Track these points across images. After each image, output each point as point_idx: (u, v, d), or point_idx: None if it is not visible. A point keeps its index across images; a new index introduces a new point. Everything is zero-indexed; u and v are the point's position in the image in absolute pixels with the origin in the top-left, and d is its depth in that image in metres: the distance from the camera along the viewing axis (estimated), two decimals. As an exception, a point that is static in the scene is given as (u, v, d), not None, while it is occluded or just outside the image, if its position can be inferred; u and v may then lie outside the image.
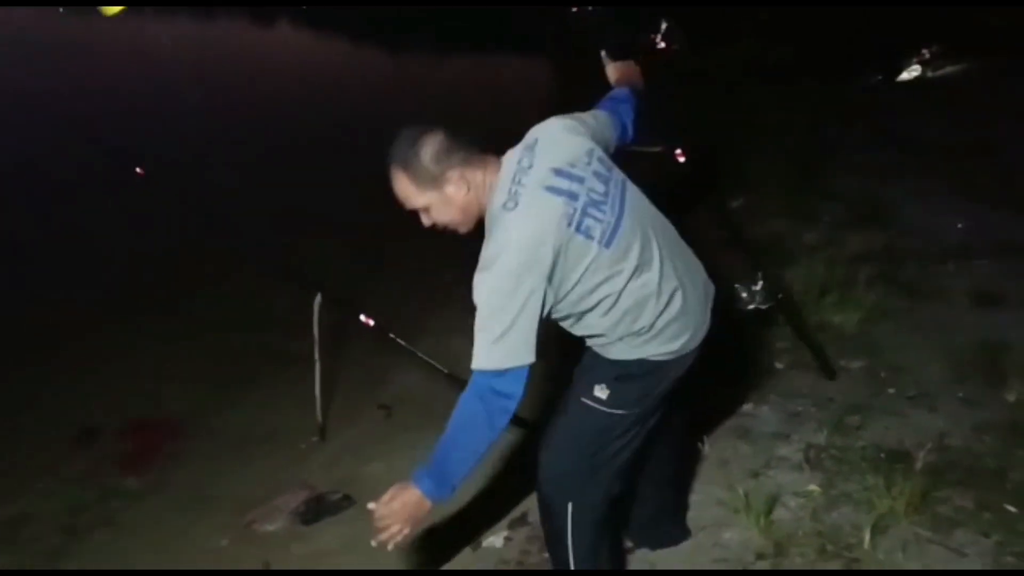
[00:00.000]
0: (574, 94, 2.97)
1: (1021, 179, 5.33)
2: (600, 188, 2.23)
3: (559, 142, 2.29)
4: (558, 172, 2.20)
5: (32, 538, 4.23)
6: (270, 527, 3.81)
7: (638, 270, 2.23)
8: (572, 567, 2.53)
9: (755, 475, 3.27)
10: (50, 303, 6.51)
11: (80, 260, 7.23)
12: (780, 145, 6.96)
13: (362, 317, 3.79)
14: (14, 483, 4.71)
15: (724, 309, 2.56)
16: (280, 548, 3.65)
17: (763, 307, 3.47)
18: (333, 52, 19.70)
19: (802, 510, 3.03)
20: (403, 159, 2.22)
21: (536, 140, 2.29)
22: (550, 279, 2.12)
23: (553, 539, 2.55)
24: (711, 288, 2.48)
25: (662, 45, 3.46)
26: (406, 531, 2.18)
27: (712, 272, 2.51)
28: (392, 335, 3.87)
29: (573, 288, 2.18)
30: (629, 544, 2.95)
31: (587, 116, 2.49)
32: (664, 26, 3.50)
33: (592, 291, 2.21)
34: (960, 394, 3.55)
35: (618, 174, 2.34)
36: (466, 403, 2.14)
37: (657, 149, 4.40)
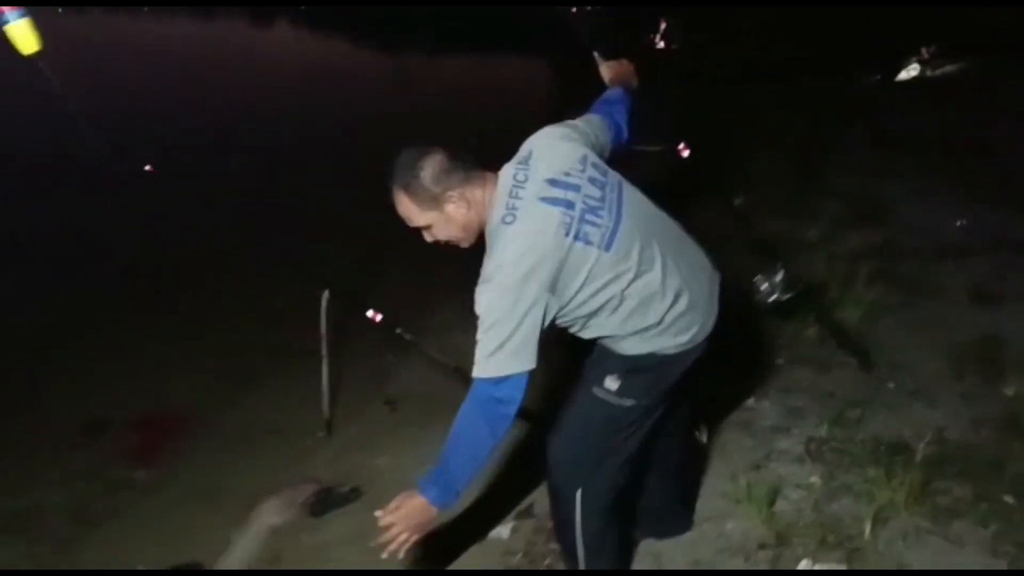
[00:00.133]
0: (574, 94, 3.01)
1: (1019, 178, 5.37)
2: (596, 193, 2.28)
3: (552, 152, 2.34)
4: (553, 183, 2.25)
5: (41, 530, 4.26)
6: (279, 519, 3.85)
7: (640, 270, 2.28)
8: (580, 553, 2.60)
9: (757, 467, 3.32)
10: (56, 299, 6.54)
11: (87, 256, 7.29)
12: (780, 144, 7.01)
13: (369, 312, 3.82)
14: (23, 476, 4.74)
15: (737, 304, 2.61)
16: (290, 539, 3.69)
17: (784, 298, 3.49)
18: (333, 52, 19.74)
19: (803, 501, 3.08)
20: (404, 180, 2.28)
21: (530, 153, 2.34)
22: (552, 289, 2.18)
23: (562, 525, 2.62)
24: (717, 277, 2.53)
25: (661, 44, 3.49)
26: (413, 538, 2.25)
27: (728, 267, 2.56)
28: (399, 330, 3.91)
29: (576, 294, 2.24)
30: (635, 534, 2.99)
31: (580, 122, 2.55)
32: (663, 26, 3.52)
33: (596, 294, 2.26)
34: (959, 389, 3.59)
35: (614, 177, 2.39)
36: (467, 411, 2.21)
37: (657, 148, 4.44)
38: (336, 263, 5.92)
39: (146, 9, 23.78)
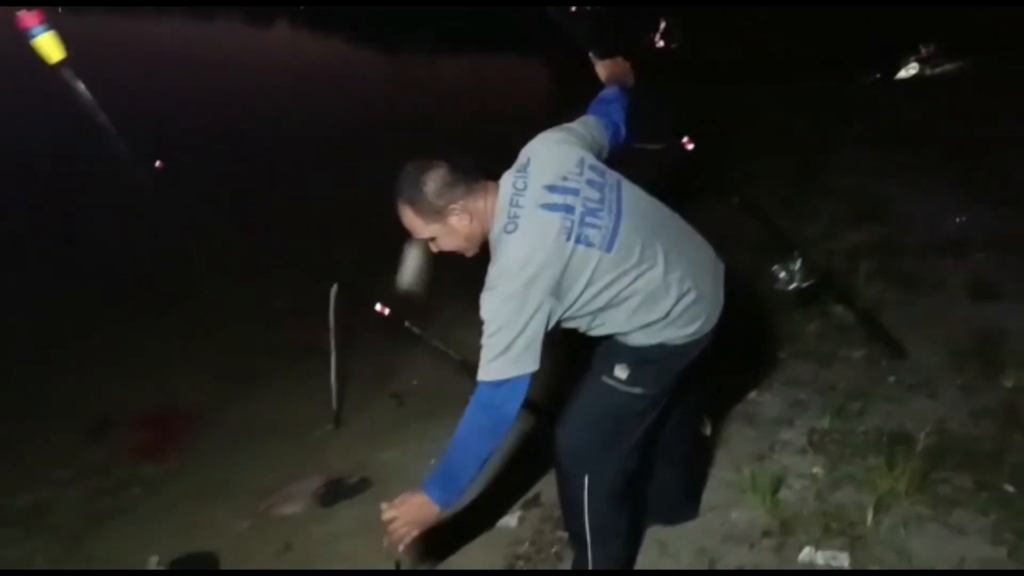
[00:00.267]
0: (573, 94, 3.06)
1: (1018, 175, 5.40)
2: (595, 195, 2.33)
3: (550, 158, 2.40)
4: (552, 188, 2.30)
5: (53, 525, 4.31)
6: (289, 510, 3.90)
7: (643, 267, 2.33)
8: (588, 538, 2.65)
9: (760, 458, 3.37)
10: (60, 300, 6.60)
11: (90, 257, 7.32)
12: (780, 143, 7.05)
13: (378, 307, 3.88)
14: (34, 473, 4.80)
15: (741, 298, 2.66)
16: (300, 530, 3.73)
17: (804, 285, 3.52)
18: (333, 52, 19.71)
19: (806, 490, 3.12)
20: (409, 195, 2.35)
21: (528, 160, 2.40)
22: (555, 294, 2.24)
23: (570, 511, 2.69)
24: (721, 267, 2.58)
25: (661, 44, 3.51)
26: (414, 533, 2.34)
27: (738, 261, 2.61)
28: (407, 323, 3.96)
29: (580, 295, 2.30)
30: (643, 521, 3.03)
31: (576, 124, 2.60)
32: (663, 25, 3.54)
33: (599, 294, 2.32)
34: (959, 382, 3.62)
35: (612, 177, 2.44)
36: (470, 413, 2.28)
37: (659, 146, 4.47)
38: (342, 259, 5.95)
39: (147, 8, 23.71)
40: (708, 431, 3.24)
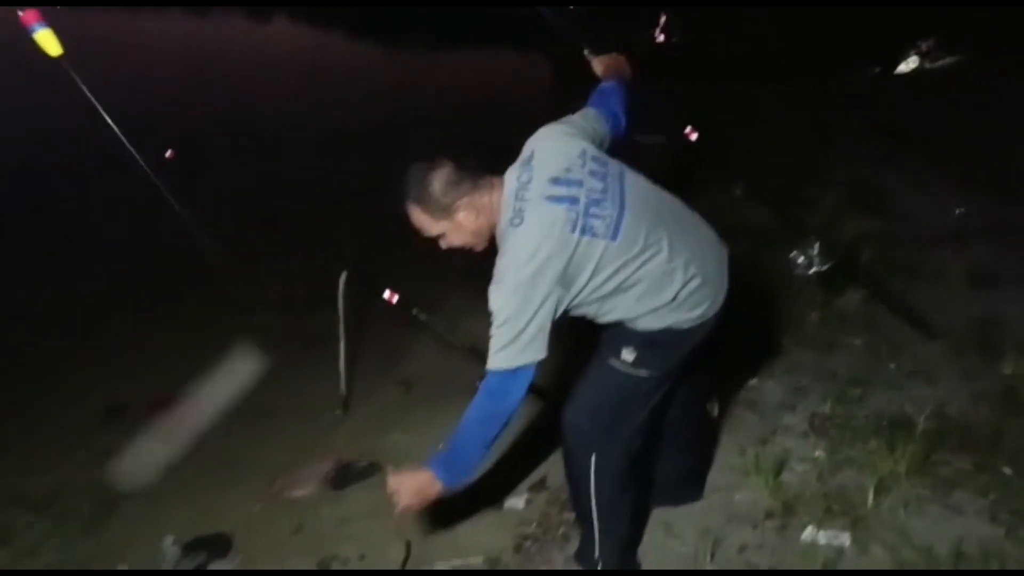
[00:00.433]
0: (574, 90, 3.12)
1: (1017, 167, 5.45)
2: (598, 186, 2.40)
3: (553, 151, 2.46)
4: (556, 181, 2.37)
5: (67, 509, 4.36)
6: (301, 492, 3.95)
7: (648, 254, 2.39)
8: (594, 518, 2.71)
9: (763, 442, 3.43)
10: (76, 286, 6.66)
11: (104, 242, 7.39)
12: (780, 136, 7.09)
13: (386, 293, 3.93)
14: (47, 458, 4.87)
15: (744, 287, 2.72)
16: (312, 511, 3.79)
17: (824, 268, 3.58)
18: (332, 48, 19.70)
19: (808, 473, 3.19)
20: (416, 195, 2.43)
21: (532, 154, 2.47)
22: (562, 284, 2.31)
23: (576, 491, 2.75)
24: (725, 252, 2.64)
25: (661, 39, 3.54)
26: (413, 505, 2.46)
27: (746, 248, 2.66)
28: (415, 311, 4.01)
29: (587, 284, 2.36)
30: (649, 502, 3.08)
31: (576, 117, 2.67)
32: (663, 20, 3.57)
33: (606, 282, 2.38)
34: (958, 368, 3.69)
35: (615, 167, 2.50)
36: (479, 399, 2.36)
37: (660, 140, 4.52)
38: (350, 247, 5.99)
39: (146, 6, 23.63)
40: (715, 412, 3.30)
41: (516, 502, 3.47)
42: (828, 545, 2.82)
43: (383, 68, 16.12)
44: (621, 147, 2.74)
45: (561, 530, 3.23)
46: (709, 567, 2.85)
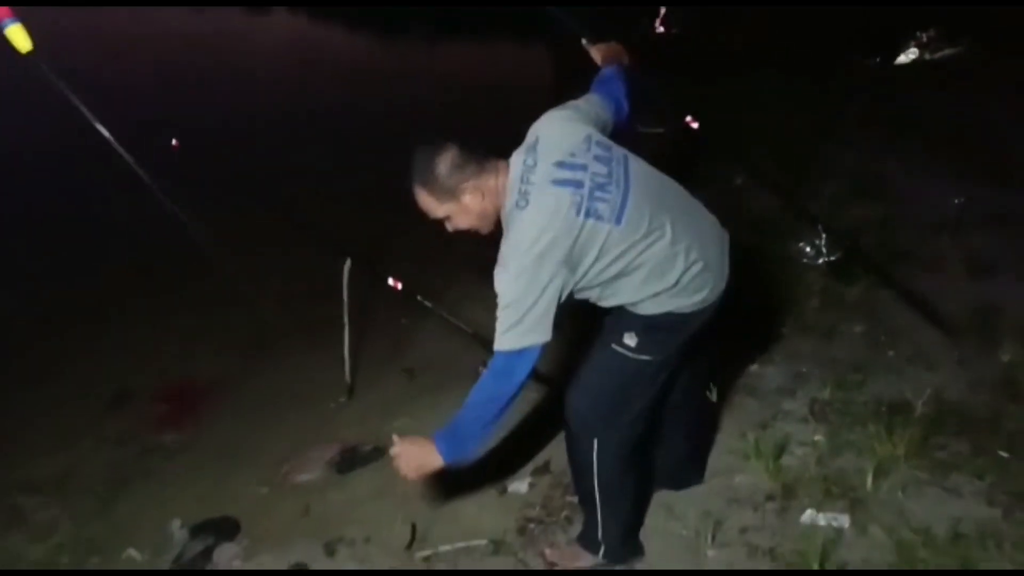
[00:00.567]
0: (576, 81, 3.16)
1: (1016, 156, 5.46)
2: (603, 170, 2.42)
3: (558, 135, 2.49)
4: (561, 165, 2.40)
5: (79, 491, 4.43)
6: (307, 476, 4.00)
7: (652, 238, 2.42)
8: (597, 500, 2.76)
9: (764, 426, 3.48)
10: (84, 274, 6.72)
11: (111, 231, 7.41)
12: (780, 126, 7.11)
13: (390, 280, 3.97)
14: (57, 443, 4.92)
15: (743, 274, 2.76)
16: (318, 495, 3.83)
17: (833, 257, 3.60)
18: (332, 38, 19.66)
19: (808, 457, 3.23)
20: (422, 177, 2.45)
21: (537, 138, 2.49)
22: (567, 266, 2.34)
23: (579, 474, 2.80)
24: (726, 237, 2.68)
25: (661, 29, 3.56)
26: (411, 477, 2.52)
27: (746, 235, 2.70)
28: (419, 297, 4.06)
29: (591, 267, 2.40)
30: (651, 485, 3.12)
31: (580, 102, 2.70)
32: (663, 11, 3.59)
33: (609, 265, 2.41)
34: (956, 355, 3.72)
35: (618, 151, 2.53)
36: (484, 379, 2.40)
37: (661, 130, 4.55)
38: (354, 234, 6.03)
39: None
40: (715, 397, 3.34)
41: (520, 485, 3.51)
42: (828, 527, 2.86)
43: (383, 59, 16.08)
44: (623, 132, 2.77)
45: (564, 513, 3.26)
46: (710, 549, 2.89)
